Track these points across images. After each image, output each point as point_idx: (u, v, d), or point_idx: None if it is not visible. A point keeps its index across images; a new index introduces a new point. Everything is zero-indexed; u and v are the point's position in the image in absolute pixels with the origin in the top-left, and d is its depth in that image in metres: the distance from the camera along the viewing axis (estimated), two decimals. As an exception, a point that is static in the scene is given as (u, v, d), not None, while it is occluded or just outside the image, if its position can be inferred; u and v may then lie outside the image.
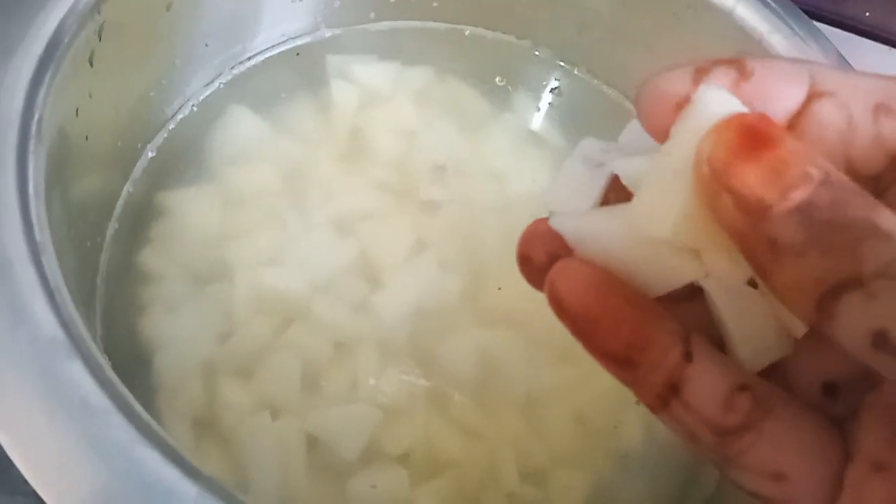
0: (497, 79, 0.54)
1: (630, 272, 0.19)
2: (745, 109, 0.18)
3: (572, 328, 0.19)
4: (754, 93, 0.18)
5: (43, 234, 0.31)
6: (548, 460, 0.44)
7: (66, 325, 0.29)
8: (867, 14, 0.49)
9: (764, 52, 0.46)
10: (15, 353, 0.28)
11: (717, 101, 0.18)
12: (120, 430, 0.27)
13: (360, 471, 0.41)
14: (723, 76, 0.19)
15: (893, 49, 0.50)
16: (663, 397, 0.19)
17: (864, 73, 0.20)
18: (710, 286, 0.19)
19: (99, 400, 0.27)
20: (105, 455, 0.27)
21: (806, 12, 0.47)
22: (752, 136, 0.17)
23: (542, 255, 0.21)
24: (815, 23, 0.47)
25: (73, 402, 0.27)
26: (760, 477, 0.19)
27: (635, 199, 0.19)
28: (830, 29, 0.49)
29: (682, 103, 0.19)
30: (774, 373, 0.20)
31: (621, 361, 0.19)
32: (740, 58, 0.19)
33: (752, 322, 0.19)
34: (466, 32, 0.55)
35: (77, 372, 0.28)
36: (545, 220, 0.21)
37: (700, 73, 0.19)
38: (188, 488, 0.27)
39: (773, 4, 0.46)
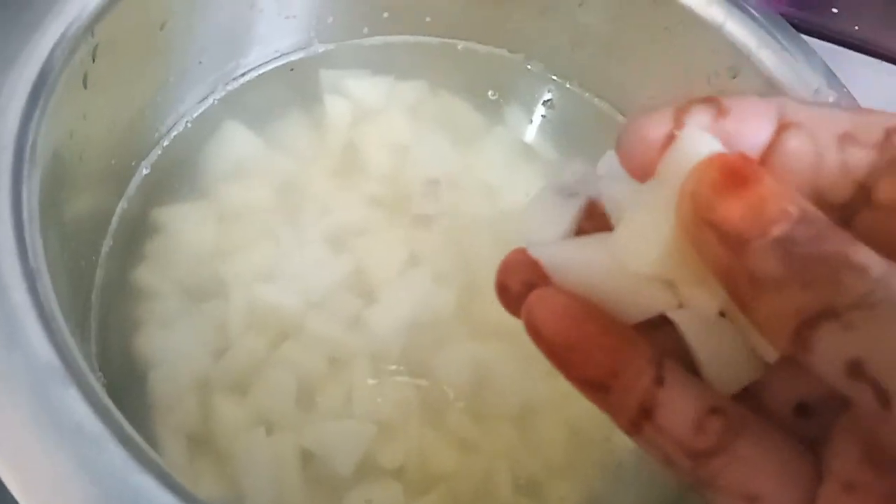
0: (490, 93, 0.54)
1: (606, 300, 0.20)
2: (725, 150, 0.19)
3: (549, 354, 0.20)
4: (731, 129, 0.19)
5: (37, 259, 0.31)
6: (542, 472, 0.44)
7: (60, 350, 0.29)
8: (856, 28, 0.49)
9: (754, 66, 0.46)
10: (9, 378, 0.28)
11: (701, 142, 0.19)
12: (115, 456, 0.27)
13: (356, 486, 0.42)
14: (702, 114, 0.19)
15: (883, 62, 0.50)
16: (636, 421, 0.20)
17: (831, 106, 0.21)
18: (680, 317, 0.20)
19: (94, 426, 0.28)
20: (100, 481, 0.27)
21: (795, 26, 0.47)
22: (733, 174, 0.18)
23: (518, 285, 0.22)
24: (804, 36, 0.47)
25: (68, 428, 0.27)
26: (735, 499, 0.19)
27: (616, 233, 0.20)
28: (820, 43, 0.49)
29: (665, 143, 0.19)
30: (747, 394, 0.20)
31: (596, 387, 0.20)
32: (715, 96, 0.20)
33: (723, 349, 0.20)
34: (459, 47, 0.55)
35: (72, 398, 0.28)
36: (523, 250, 0.22)
37: (681, 113, 0.20)
38: (184, 515, 0.27)
39: (763, 19, 0.47)
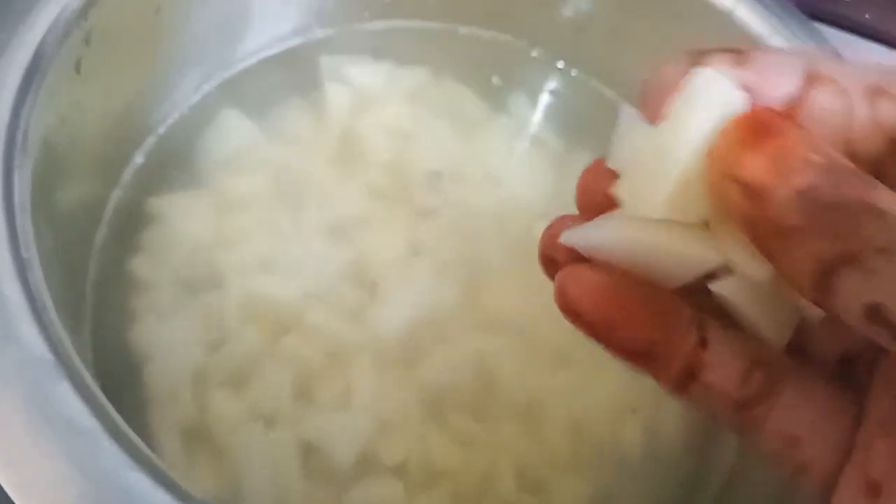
0: (494, 79, 0.53)
1: (646, 268, 0.19)
2: (739, 91, 0.18)
3: (588, 331, 0.20)
4: (753, 79, 0.19)
5: (29, 251, 0.30)
6: (546, 468, 0.43)
7: (53, 345, 0.28)
8: (867, 16, 0.48)
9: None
10: (1, 373, 0.27)
11: (712, 81, 0.18)
12: (109, 453, 0.26)
13: (356, 481, 0.41)
14: (721, 60, 0.19)
15: (893, 50, 0.50)
16: (682, 383, 0.20)
17: (860, 61, 0.21)
18: (724, 288, 0.19)
19: (87, 422, 0.27)
20: (93, 478, 0.26)
21: (805, 13, 0.46)
22: (755, 127, 0.18)
23: (564, 256, 0.21)
24: (815, 23, 0.46)
25: (61, 424, 0.27)
26: (776, 441, 0.20)
27: (624, 181, 0.20)
28: (830, 30, 0.48)
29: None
30: (792, 348, 0.20)
31: (641, 355, 0.20)
32: (738, 46, 0.20)
33: (771, 309, 0.19)
34: (462, 32, 0.54)
35: (65, 393, 0.27)
36: (565, 217, 0.22)
37: (699, 57, 0.19)
38: (179, 513, 0.26)
39: (773, 6, 0.46)
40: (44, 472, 0.26)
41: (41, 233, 0.32)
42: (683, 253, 0.19)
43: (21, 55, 0.34)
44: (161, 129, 0.47)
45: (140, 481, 0.26)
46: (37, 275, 0.30)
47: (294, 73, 0.51)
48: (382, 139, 0.50)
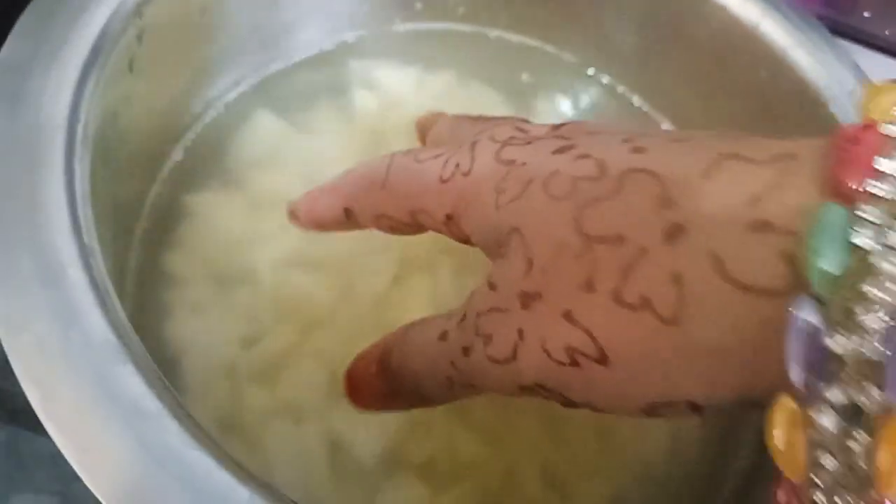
0: (522, 84, 0.54)
1: None
2: None
3: None
4: None
5: (90, 237, 0.31)
6: (569, 469, 0.44)
7: (116, 328, 0.29)
8: (887, 32, 0.50)
9: (789, 67, 0.46)
10: (68, 356, 0.28)
11: None
12: (172, 434, 0.27)
13: (383, 478, 0.42)
14: None
15: (913, 66, 0.51)
16: None
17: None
18: None
19: (151, 403, 0.28)
20: (158, 458, 0.27)
21: (828, 29, 0.47)
22: None
23: None
24: (837, 39, 0.47)
25: (126, 406, 0.27)
26: None
27: None
28: (850, 45, 0.50)
29: None
30: None
31: None
32: None
33: None
34: (491, 36, 0.55)
35: (129, 375, 0.28)
36: None
37: None
38: (241, 492, 0.27)
39: (797, 20, 0.47)
40: (110, 452, 0.27)
41: (97, 223, 0.33)
42: None
43: (80, 49, 0.35)
44: (198, 127, 0.48)
45: (203, 461, 0.27)
46: (98, 260, 0.30)
47: (326, 75, 0.52)
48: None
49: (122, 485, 0.26)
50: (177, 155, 0.47)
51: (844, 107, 0.45)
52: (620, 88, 0.54)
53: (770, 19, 0.47)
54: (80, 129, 0.33)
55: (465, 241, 0.32)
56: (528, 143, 0.29)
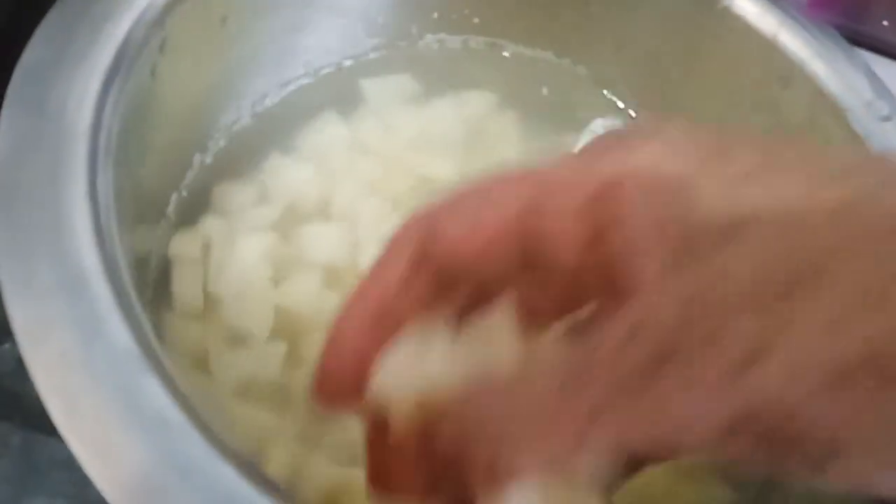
0: (538, 97, 0.54)
1: None
2: None
3: None
4: None
5: (114, 247, 0.31)
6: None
7: (140, 338, 0.29)
8: (905, 41, 0.50)
9: (805, 77, 0.46)
10: (91, 366, 0.28)
11: None
12: (196, 446, 0.27)
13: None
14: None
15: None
16: None
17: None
18: None
19: (174, 415, 0.28)
20: (182, 471, 0.27)
21: (844, 37, 0.47)
22: None
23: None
24: (855, 48, 0.47)
25: (149, 417, 0.27)
26: None
27: None
28: (868, 54, 0.49)
29: None
30: None
31: None
32: None
33: None
34: (506, 52, 0.55)
35: (152, 386, 0.28)
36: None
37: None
38: (264, 504, 0.27)
39: (815, 30, 0.47)
40: (131, 463, 0.27)
41: (121, 232, 0.33)
42: None
43: (104, 57, 0.35)
44: (221, 138, 0.48)
45: (226, 473, 0.27)
46: (122, 271, 0.31)
47: (338, 88, 0.52)
48: (418, 159, 0.51)
49: (144, 497, 0.26)
50: (199, 163, 0.47)
51: (860, 117, 0.44)
52: (634, 103, 0.54)
53: (787, 30, 0.47)
54: (102, 137, 0.33)
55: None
56: None
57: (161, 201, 0.44)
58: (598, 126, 0.24)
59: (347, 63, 0.52)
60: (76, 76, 0.34)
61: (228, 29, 0.44)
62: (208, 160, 0.47)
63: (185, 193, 0.45)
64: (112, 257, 0.31)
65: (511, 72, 0.54)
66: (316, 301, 0.44)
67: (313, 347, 0.42)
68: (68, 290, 0.29)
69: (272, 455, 0.39)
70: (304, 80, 0.51)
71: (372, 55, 0.53)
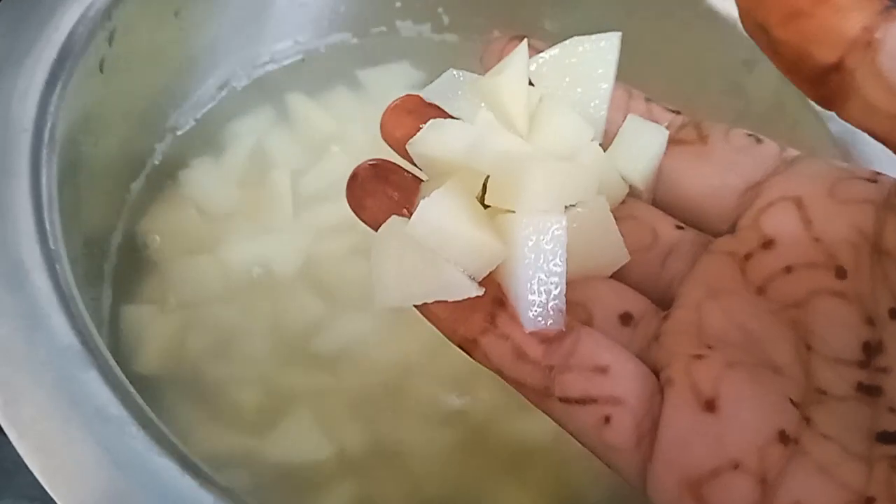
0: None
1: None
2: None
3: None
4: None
5: (57, 242, 0.31)
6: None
7: (81, 333, 0.29)
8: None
9: (769, 61, 0.46)
10: (31, 361, 0.28)
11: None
12: (136, 439, 0.27)
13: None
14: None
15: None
16: (492, 313, 0.21)
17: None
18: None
19: (115, 409, 0.28)
20: (121, 464, 0.27)
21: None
22: None
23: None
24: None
25: (89, 411, 0.27)
26: (587, 375, 0.20)
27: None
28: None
29: None
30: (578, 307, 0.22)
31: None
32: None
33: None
34: (466, 38, 0.55)
35: (93, 381, 0.28)
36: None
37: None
38: (204, 497, 0.27)
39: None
40: (73, 458, 0.27)
41: (65, 229, 0.33)
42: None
43: (47, 52, 0.35)
44: (179, 131, 0.48)
45: (167, 467, 0.27)
46: (65, 266, 0.30)
47: (306, 78, 0.52)
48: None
49: (86, 491, 0.26)
50: (156, 159, 0.47)
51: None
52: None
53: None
54: (46, 132, 0.33)
55: None
56: None
57: (118, 196, 0.44)
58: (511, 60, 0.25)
59: (310, 54, 0.52)
60: (20, 72, 0.34)
61: (182, 21, 0.43)
62: (162, 158, 0.47)
63: (141, 185, 0.45)
64: (56, 253, 0.30)
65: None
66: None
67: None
68: (9, 284, 0.29)
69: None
70: (266, 73, 0.51)
71: (335, 46, 0.53)
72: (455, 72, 0.25)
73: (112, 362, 0.29)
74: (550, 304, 0.21)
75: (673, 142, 0.25)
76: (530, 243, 0.21)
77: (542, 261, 0.21)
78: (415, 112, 0.24)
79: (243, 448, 0.40)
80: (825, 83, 0.19)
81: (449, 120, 0.24)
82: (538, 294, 0.21)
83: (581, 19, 0.53)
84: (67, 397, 0.27)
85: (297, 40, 0.52)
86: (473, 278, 0.22)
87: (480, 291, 0.22)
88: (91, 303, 0.39)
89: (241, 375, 0.42)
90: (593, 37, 0.26)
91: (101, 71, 0.38)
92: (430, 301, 0.22)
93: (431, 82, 0.26)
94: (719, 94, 0.50)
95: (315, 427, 0.41)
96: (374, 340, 0.44)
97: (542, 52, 0.26)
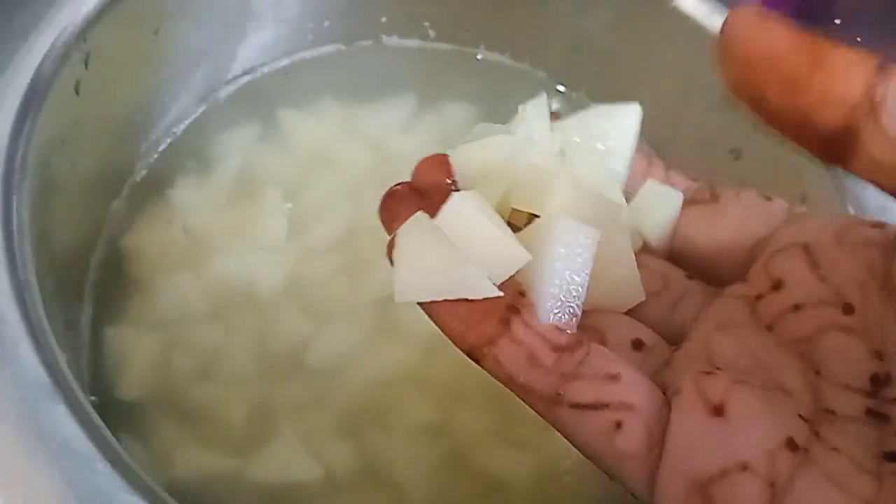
0: (490, 99, 0.54)
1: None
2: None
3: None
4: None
5: (27, 272, 0.30)
6: None
7: (49, 366, 0.28)
8: (858, 39, 0.49)
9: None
10: (-1, 393, 0.28)
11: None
12: (103, 476, 0.27)
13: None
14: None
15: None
16: (506, 318, 0.21)
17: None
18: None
19: (82, 444, 0.27)
20: (85, 499, 0.26)
21: (798, 36, 0.46)
22: None
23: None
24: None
25: (56, 446, 0.27)
26: (598, 382, 0.21)
27: None
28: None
29: None
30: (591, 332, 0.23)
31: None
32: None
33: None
34: (459, 52, 0.54)
35: (60, 415, 0.28)
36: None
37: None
38: (172, 534, 0.26)
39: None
40: (37, 492, 0.26)
41: (39, 254, 0.32)
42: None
43: (20, 78, 0.34)
44: (161, 146, 0.47)
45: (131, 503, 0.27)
46: (34, 296, 0.30)
47: (287, 91, 0.51)
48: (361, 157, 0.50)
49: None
50: (137, 176, 0.46)
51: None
52: (585, 102, 0.54)
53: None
54: (18, 158, 0.32)
55: None
56: None
57: (96, 218, 0.43)
58: (531, 107, 0.25)
59: (289, 68, 0.52)
60: (-7, 96, 0.33)
61: (162, 39, 0.43)
62: (142, 176, 0.46)
63: (119, 212, 0.45)
64: (25, 282, 0.30)
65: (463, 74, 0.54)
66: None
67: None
68: (-24, 315, 0.29)
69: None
70: (245, 89, 0.50)
71: (315, 60, 0.52)
72: (484, 125, 0.26)
73: (81, 395, 0.28)
74: (568, 304, 0.22)
75: (687, 202, 0.26)
76: (563, 240, 0.22)
77: (570, 261, 0.22)
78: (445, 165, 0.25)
79: (229, 469, 0.40)
80: (829, 144, 0.19)
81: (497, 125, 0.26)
82: (560, 290, 0.22)
83: (563, 32, 0.52)
84: (33, 432, 0.27)
85: (279, 53, 0.52)
86: (493, 281, 0.22)
87: (499, 293, 0.22)
88: (69, 324, 0.39)
89: (226, 396, 0.42)
90: (615, 106, 0.27)
91: (77, 93, 0.38)
92: (449, 298, 0.22)
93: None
94: (706, 109, 0.49)
95: (301, 447, 0.41)
96: (360, 359, 0.44)
97: (559, 116, 0.27)
